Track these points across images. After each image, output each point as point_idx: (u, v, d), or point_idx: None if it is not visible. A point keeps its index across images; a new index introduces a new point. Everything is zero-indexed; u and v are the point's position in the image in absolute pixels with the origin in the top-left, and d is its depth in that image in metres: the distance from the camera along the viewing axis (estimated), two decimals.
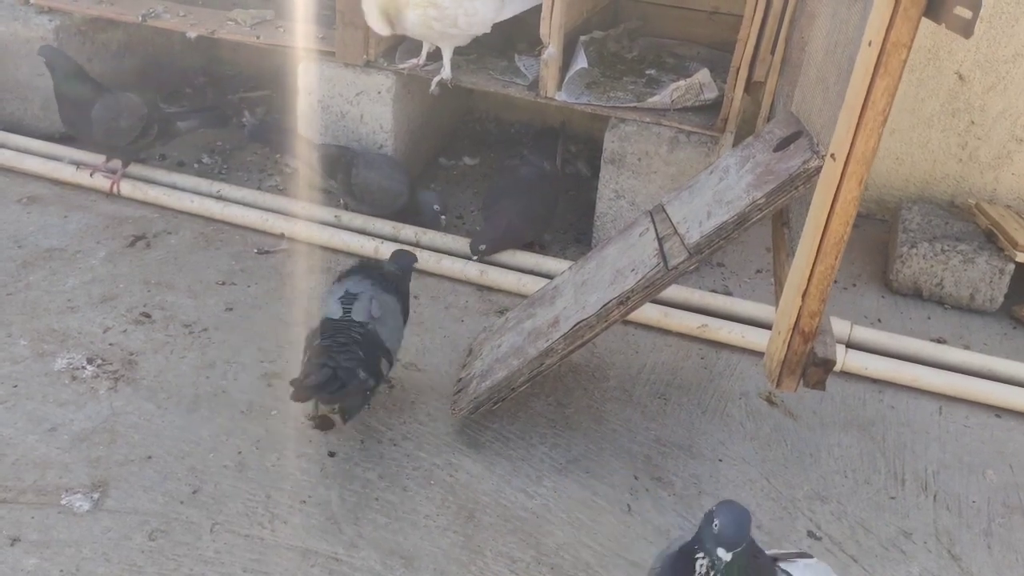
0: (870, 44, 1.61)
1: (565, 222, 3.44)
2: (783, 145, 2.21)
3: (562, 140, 3.57)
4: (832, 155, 1.73)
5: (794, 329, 1.86)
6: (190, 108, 3.98)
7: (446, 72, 3.18)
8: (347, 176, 3.20)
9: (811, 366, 1.89)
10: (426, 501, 2.16)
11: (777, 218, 2.43)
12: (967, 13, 1.45)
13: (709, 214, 2.18)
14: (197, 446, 2.25)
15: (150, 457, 2.20)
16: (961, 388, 2.67)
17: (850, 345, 2.78)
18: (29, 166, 3.43)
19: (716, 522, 1.47)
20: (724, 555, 1.46)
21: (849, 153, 1.67)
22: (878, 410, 2.62)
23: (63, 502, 2.05)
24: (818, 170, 1.89)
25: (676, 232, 2.26)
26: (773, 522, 2.19)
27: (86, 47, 3.69)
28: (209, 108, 3.95)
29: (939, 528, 2.22)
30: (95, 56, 3.74)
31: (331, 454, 2.27)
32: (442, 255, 3.07)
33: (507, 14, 3.15)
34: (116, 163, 3.34)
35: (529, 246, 3.19)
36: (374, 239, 3.13)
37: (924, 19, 1.57)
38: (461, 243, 3.12)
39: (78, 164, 3.39)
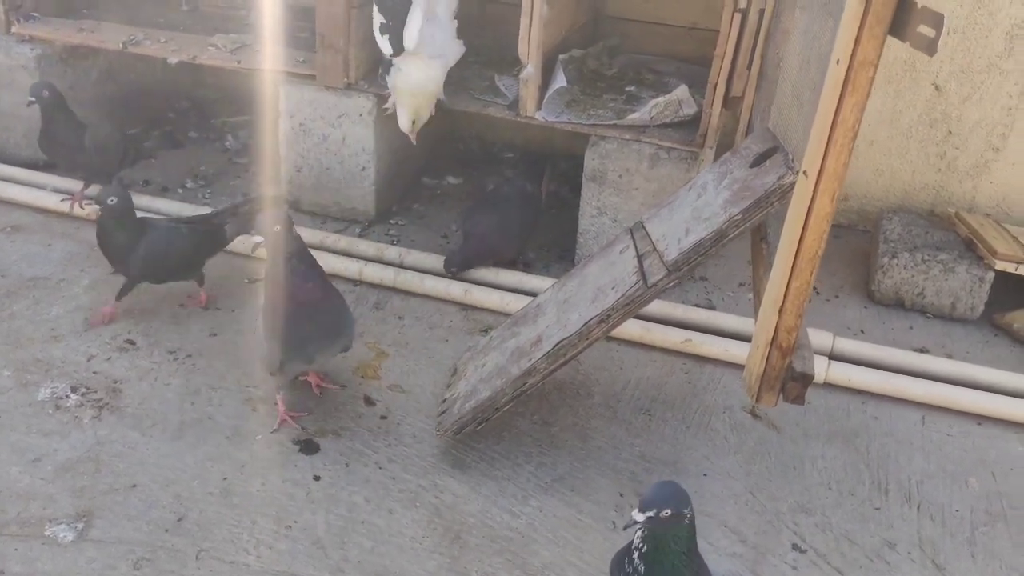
0: (838, 62, 1.64)
1: (548, 239, 3.45)
2: (759, 161, 2.23)
3: (550, 165, 3.62)
4: (804, 172, 1.74)
5: (772, 344, 1.88)
6: (158, 133, 3.98)
7: (440, 95, 3.23)
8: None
9: (790, 381, 1.90)
10: (412, 523, 2.16)
11: (756, 233, 2.44)
12: (930, 32, 1.47)
13: (687, 231, 2.20)
14: (182, 473, 2.25)
15: (135, 485, 2.20)
16: (943, 397, 2.69)
17: (833, 357, 2.80)
18: (12, 195, 3.43)
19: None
20: (637, 516, 1.54)
21: (821, 170, 1.69)
22: (862, 421, 2.63)
23: (47, 533, 2.04)
24: (792, 186, 1.91)
25: (656, 249, 2.27)
26: (758, 536, 2.20)
27: (68, 75, 3.69)
28: (166, 131, 3.95)
29: (923, 538, 2.23)
30: (77, 83, 3.74)
31: (316, 478, 2.27)
32: (425, 275, 3.08)
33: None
34: (95, 189, 3.34)
35: (512, 264, 3.21)
36: (358, 261, 3.14)
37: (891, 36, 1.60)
38: None
39: (64, 196, 3.39)
